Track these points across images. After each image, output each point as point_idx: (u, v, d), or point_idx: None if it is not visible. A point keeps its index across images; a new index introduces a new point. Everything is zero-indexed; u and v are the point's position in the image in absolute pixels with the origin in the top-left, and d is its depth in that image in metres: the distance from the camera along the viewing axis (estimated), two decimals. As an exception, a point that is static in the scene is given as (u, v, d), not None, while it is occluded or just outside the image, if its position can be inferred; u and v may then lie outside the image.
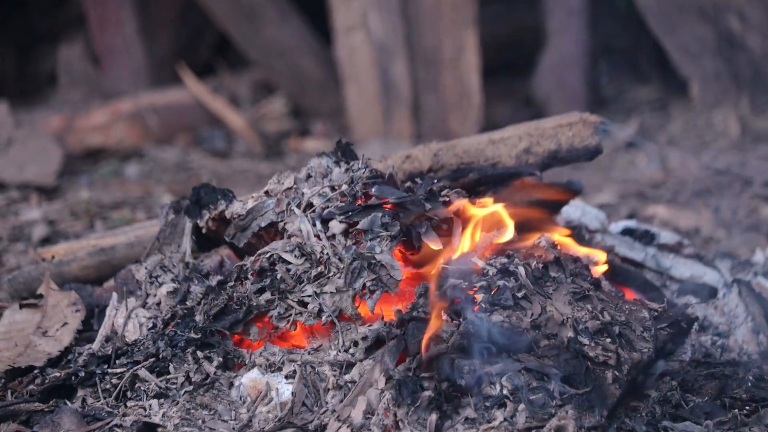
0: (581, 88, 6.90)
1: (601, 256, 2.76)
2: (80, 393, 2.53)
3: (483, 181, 3.04)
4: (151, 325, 2.67)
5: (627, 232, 3.35)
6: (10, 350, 2.72)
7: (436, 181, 2.86)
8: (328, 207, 2.65)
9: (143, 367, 2.51)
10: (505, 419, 2.24)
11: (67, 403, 2.51)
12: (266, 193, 2.77)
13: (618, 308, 2.52)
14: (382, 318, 2.50)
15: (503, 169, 3.04)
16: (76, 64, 7.64)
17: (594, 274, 2.64)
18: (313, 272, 2.57)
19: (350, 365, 2.46)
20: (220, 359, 2.51)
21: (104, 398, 2.49)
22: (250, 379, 2.46)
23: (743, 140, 6.15)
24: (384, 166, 2.94)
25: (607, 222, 3.34)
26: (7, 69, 8.45)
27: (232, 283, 2.63)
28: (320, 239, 2.61)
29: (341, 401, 2.38)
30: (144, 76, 7.60)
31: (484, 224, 2.68)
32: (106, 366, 2.56)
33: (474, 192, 2.96)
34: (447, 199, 2.71)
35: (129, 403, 2.46)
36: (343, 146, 2.85)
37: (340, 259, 2.56)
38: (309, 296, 2.54)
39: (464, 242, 2.65)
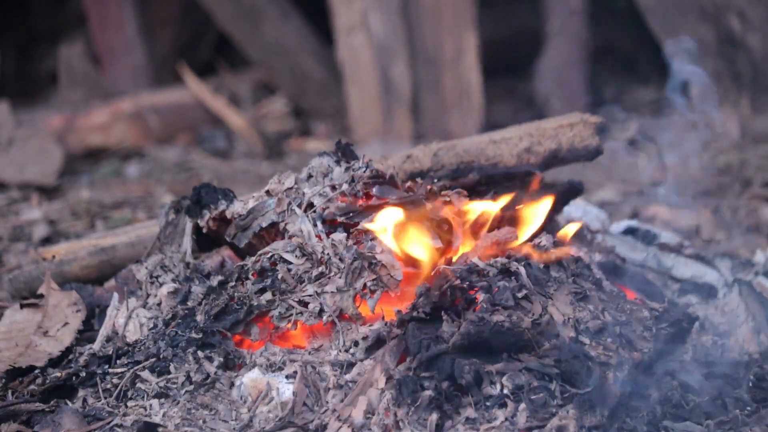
0: (581, 89, 6.90)
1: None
2: (81, 393, 2.53)
3: (484, 181, 3.04)
4: (151, 325, 2.67)
5: (628, 231, 3.35)
6: (11, 350, 2.72)
7: (436, 180, 2.86)
8: (328, 207, 2.65)
9: (144, 367, 2.51)
10: (506, 419, 2.24)
11: (68, 403, 2.51)
12: (267, 193, 2.77)
13: (619, 308, 2.52)
14: (383, 318, 2.50)
15: (504, 169, 3.04)
16: (77, 64, 7.62)
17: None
18: (314, 272, 2.57)
19: (351, 365, 2.46)
20: (221, 359, 2.51)
21: (105, 398, 2.49)
22: (250, 378, 2.46)
23: (743, 140, 6.15)
24: (385, 167, 2.94)
25: (609, 222, 3.34)
26: (7, 69, 8.44)
27: (233, 283, 2.63)
28: (321, 239, 2.61)
29: (342, 401, 2.38)
30: (144, 76, 7.60)
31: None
32: (106, 366, 2.56)
33: (475, 191, 2.96)
34: (447, 198, 2.71)
35: (130, 403, 2.46)
36: (343, 146, 2.85)
37: (340, 259, 2.56)
38: (310, 296, 2.54)
39: (465, 242, 2.65)
